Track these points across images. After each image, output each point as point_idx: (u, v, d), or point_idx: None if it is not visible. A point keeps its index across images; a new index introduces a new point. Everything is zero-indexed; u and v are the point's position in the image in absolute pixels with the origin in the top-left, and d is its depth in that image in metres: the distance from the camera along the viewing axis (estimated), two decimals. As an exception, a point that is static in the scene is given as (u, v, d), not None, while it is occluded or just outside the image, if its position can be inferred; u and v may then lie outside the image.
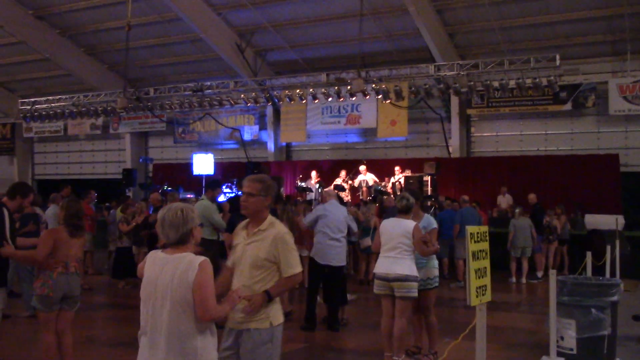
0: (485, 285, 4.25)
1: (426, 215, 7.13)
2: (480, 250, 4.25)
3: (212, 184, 9.11)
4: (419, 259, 6.65)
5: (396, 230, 6.52)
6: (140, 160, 24.89)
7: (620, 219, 12.98)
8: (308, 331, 8.32)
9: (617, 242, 11.58)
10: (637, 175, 17.29)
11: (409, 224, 6.53)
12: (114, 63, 23.18)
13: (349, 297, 9.32)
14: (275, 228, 3.98)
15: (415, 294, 6.49)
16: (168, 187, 18.85)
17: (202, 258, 3.44)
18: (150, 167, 24.87)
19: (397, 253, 6.44)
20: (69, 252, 5.79)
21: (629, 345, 7.69)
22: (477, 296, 4.13)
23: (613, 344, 6.87)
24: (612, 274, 10.89)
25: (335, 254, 8.38)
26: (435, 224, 7.01)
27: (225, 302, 3.59)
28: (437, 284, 6.88)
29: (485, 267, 4.29)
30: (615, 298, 6.60)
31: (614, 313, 6.73)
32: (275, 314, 3.92)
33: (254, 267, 3.87)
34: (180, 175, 22.33)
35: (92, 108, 21.35)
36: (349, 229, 8.73)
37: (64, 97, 22.06)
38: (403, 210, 6.64)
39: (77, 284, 5.96)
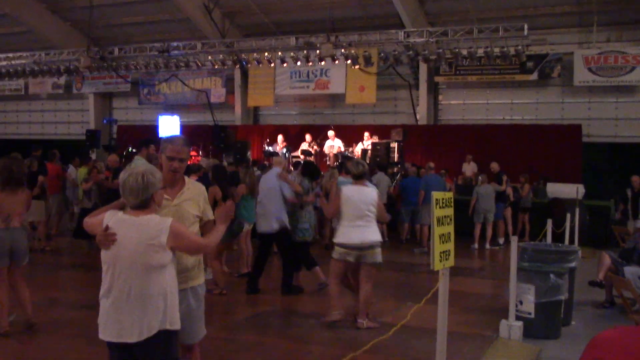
0: (449, 250, 4.32)
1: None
2: (445, 216, 4.31)
3: (146, 141, 8.60)
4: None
5: (362, 199, 6.61)
6: (104, 121, 24.41)
7: (581, 188, 13.29)
8: (254, 294, 8.32)
9: (577, 211, 11.87)
10: (598, 145, 17.66)
11: (372, 192, 6.68)
12: (77, 21, 22.45)
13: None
14: (196, 185, 4.12)
15: (381, 259, 6.68)
16: (132, 149, 18.57)
17: (169, 219, 3.44)
18: (115, 129, 24.45)
19: (365, 221, 6.57)
20: (10, 208, 5.89)
21: (584, 309, 7.96)
22: (440, 261, 4.20)
23: (570, 308, 7.12)
24: (571, 242, 11.20)
25: (262, 222, 8.52)
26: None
27: (217, 223, 3.76)
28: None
29: (450, 233, 4.35)
30: (573, 264, 6.80)
31: (571, 279, 6.96)
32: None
33: (188, 225, 3.87)
34: (145, 136, 21.99)
35: (54, 67, 20.80)
36: (284, 195, 8.47)
37: (24, 54, 21.43)
38: (359, 176, 6.72)
39: (22, 238, 6.04)
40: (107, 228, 3.39)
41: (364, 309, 6.62)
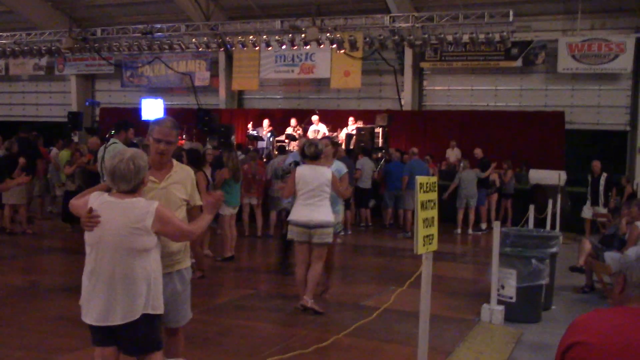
0: (432, 235, 4.34)
1: (336, 160, 7.33)
2: (428, 201, 4.33)
3: (124, 124, 8.33)
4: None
5: (315, 178, 6.58)
6: (87, 103, 24.13)
7: (563, 175, 13.43)
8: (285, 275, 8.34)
9: (559, 197, 11.99)
10: (580, 132, 17.79)
11: (326, 171, 6.65)
12: (59, 1, 22.12)
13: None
14: (184, 169, 4.06)
15: (331, 239, 6.69)
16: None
17: (155, 203, 3.42)
18: (97, 111, 24.19)
19: (317, 200, 6.55)
20: None
21: (565, 294, 8.07)
22: (423, 245, 4.22)
23: (550, 292, 7.21)
24: (553, 227, 11.34)
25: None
26: (345, 170, 7.16)
27: (204, 212, 3.73)
28: (339, 230, 7.27)
29: (433, 217, 4.37)
30: (554, 250, 6.88)
31: (552, 264, 7.03)
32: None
33: (175, 208, 3.85)
34: (128, 119, 21.76)
35: (35, 47, 20.50)
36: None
37: (5, 34, 21.08)
38: (313, 156, 6.66)
39: None
40: (91, 210, 3.35)
41: (311, 288, 6.55)
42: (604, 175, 13.00)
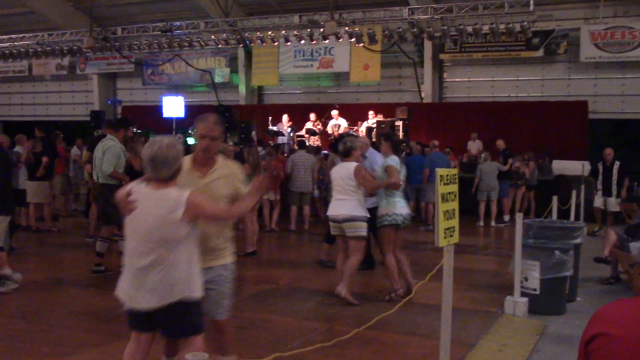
0: (453, 227, 4.31)
1: (392, 155, 7.13)
2: (449, 193, 4.30)
3: (124, 122, 8.22)
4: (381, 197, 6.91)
5: (340, 174, 6.80)
6: (109, 102, 24.40)
7: (587, 165, 13.25)
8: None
9: (583, 187, 11.83)
10: (604, 122, 17.55)
11: (350, 166, 6.75)
12: (79, 0, 22.37)
13: None
14: (230, 165, 4.06)
15: (363, 233, 6.75)
16: (137, 129, 18.55)
17: (187, 192, 3.44)
18: (119, 109, 24.43)
19: (344, 195, 6.72)
20: None
21: (590, 286, 7.97)
22: (444, 237, 4.19)
23: (574, 284, 7.11)
24: (577, 218, 11.19)
25: None
26: (391, 162, 7.01)
27: (247, 195, 3.76)
28: (387, 222, 6.87)
29: (454, 209, 4.34)
30: (578, 241, 6.79)
31: (576, 255, 6.94)
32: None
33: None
34: (149, 117, 21.98)
35: (57, 47, 20.74)
36: None
37: (27, 35, 21.35)
38: (343, 153, 6.87)
39: None
40: (129, 193, 3.41)
41: (345, 279, 6.71)
42: (617, 163, 12.15)
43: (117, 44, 20.51)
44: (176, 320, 3.45)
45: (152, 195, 3.42)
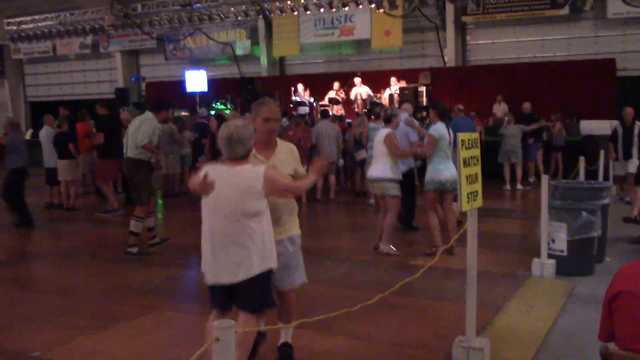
0: (477, 191, 4.32)
1: (439, 123, 7.46)
2: (471, 157, 4.30)
3: (164, 103, 8.21)
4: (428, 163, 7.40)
5: (376, 139, 7.62)
6: (132, 79, 24.58)
7: (615, 124, 12.99)
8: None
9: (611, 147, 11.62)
10: (634, 79, 17.17)
11: (383, 132, 7.50)
12: (98, -22, 22.41)
13: None
14: (286, 145, 4.22)
15: (394, 193, 7.45)
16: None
17: (262, 167, 3.68)
18: (143, 86, 24.60)
19: (377, 159, 7.53)
20: None
21: (618, 245, 7.91)
22: (468, 202, 4.21)
23: (603, 245, 7.07)
24: (605, 178, 11.04)
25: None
26: (431, 131, 7.42)
27: (311, 174, 4.04)
28: (426, 187, 7.43)
29: (477, 174, 4.35)
30: (606, 201, 6.73)
31: (604, 216, 6.88)
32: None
33: None
34: (173, 92, 22.10)
35: (79, 27, 20.91)
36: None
37: (50, 15, 21.52)
38: (384, 120, 7.65)
39: None
40: (206, 176, 3.55)
41: (383, 235, 7.52)
42: (638, 123, 11.15)
43: (138, 20, 20.60)
44: (255, 293, 3.62)
45: (231, 172, 3.61)
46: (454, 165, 7.04)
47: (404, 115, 8.45)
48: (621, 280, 2.53)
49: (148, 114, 7.97)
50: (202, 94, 20.05)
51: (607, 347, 2.49)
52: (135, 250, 7.77)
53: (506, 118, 13.90)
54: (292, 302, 4.22)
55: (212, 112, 16.60)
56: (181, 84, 21.34)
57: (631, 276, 2.50)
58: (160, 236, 8.28)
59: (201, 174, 3.61)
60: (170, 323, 5.30)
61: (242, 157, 3.65)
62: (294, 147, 4.25)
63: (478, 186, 4.35)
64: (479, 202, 4.35)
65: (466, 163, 4.22)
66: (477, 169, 4.35)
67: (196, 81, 20.65)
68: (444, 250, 6.67)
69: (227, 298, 3.65)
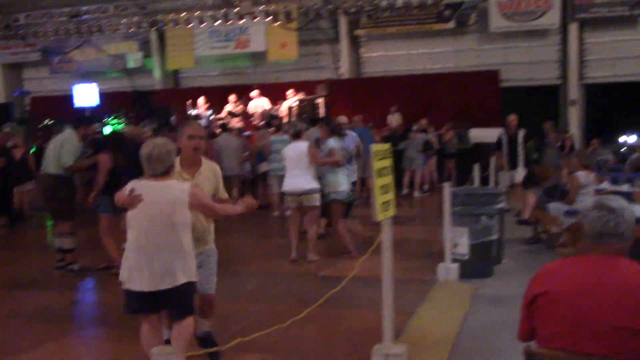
0: (390, 201, 4.45)
1: (332, 139, 8.10)
2: (383, 168, 4.42)
3: (86, 119, 8.13)
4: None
5: (295, 153, 7.82)
6: (15, 93, 23.19)
7: (500, 132, 13.74)
8: None
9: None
10: (515, 89, 18.26)
11: (302, 145, 7.83)
12: (-25, -13, 21.04)
13: None
14: (210, 164, 4.44)
15: (319, 203, 7.81)
16: (50, 120, 17.81)
17: (187, 184, 3.95)
18: (27, 101, 23.29)
19: (297, 171, 7.74)
20: None
21: (514, 246, 8.38)
22: (382, 211, 4.31)
23: (501, 246, 7.47)
24: (496, 184, 11.64)
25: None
26: (332, 144, 7.99)
27: (236, 206, 4.29)
28: (335, 197, 7.91)
29: (389, 184, 4.48)
30: (502, 205, 7.13)
31: (501, 219, 7.28)
32: None
33: None
34: (61, 108, 21.04)
35: (-46, 38, 19.54)
36: None
37: None
38: (293, 136, 8.00)
39: None
40: (132, 190, 3.76)
41: (310, 247, 7.89)
42: (521, 132, 10.82)
43: (21, 31, 19.54)
44: (180, 301, 3.83)
45: (157, 186, 3.82)
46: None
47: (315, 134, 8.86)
48: (538, 283, 2.69)
49: (68, 132, 7.79)
50: (93, 108, 19.23)
51: (529, 346, 2.62)
52: (76, 267, 7.65)
53: (414, 128, 14.49)
54: (214, 303, 4.55)
55: (108, 130, 15.89)
56: (69, 98, 20.37)
57: (548, 278, 2.67)
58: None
59: (127, 188, 3.78)
60: (77, 350, 5.05)
61: (162, 174, 3.83)
62: (217, 167, 4.46)
63: (391, 196, 4.48)
64: (392, 211, 4.48)
65: (379, 174, 4.34)
66: (389, 179, 4.49)
67: (86, 95, 19.77)
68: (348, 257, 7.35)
69: (153, 304, 3.81)
